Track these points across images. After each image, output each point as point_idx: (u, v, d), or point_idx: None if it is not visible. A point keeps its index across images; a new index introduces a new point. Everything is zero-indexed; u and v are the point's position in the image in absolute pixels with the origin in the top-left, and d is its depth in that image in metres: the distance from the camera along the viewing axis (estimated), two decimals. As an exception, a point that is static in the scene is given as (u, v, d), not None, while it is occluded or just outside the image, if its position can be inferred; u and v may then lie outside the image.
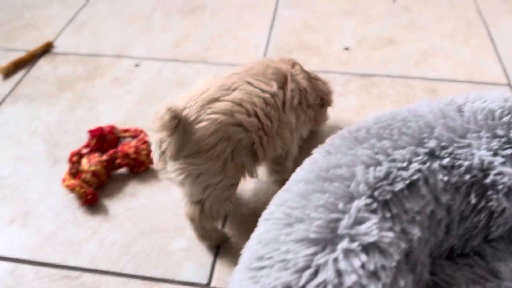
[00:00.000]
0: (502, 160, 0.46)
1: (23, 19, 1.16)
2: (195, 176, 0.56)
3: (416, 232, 0.41)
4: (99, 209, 0.70)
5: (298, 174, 0.47)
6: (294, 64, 0.67)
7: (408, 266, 0.41)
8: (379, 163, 0.44)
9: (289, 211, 0.42)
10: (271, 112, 0.59)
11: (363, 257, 0.37)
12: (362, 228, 0.39)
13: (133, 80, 0.95)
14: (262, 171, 0.71)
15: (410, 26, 1.09)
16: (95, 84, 0.94)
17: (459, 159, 0.45)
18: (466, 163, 0.45)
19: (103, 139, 0.77)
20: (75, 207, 0.71)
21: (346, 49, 1.02)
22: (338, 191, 0.42)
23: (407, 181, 0.42)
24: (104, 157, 0.73)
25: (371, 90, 0.90)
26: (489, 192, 0.45)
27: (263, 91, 0.59)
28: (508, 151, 0.47)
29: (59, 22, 1.14)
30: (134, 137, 0.78)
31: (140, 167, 0.74)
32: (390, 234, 0.39)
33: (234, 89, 0.57)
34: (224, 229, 0.67)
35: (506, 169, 0.45)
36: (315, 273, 0.37)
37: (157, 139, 0.56)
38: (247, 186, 0.72)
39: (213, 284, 0.61)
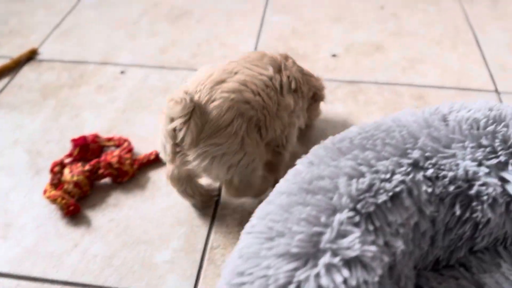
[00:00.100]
0: (486, 170, 0.45)
1: (7, 26, 1.14)
2: (219, 157, 0.57)
3: (399, 245, 0.40)
4: (82, 220, 0.69)
5: (281, 185, 0.46)
6: (287, 57, 0.70)
7: (392, 280, 0.40)
8: (362, 175, 0.43)
9: (271, 224, 0.41)
10: (271, 94, 0.61)
11: (345, 272, 0.36)
12: (345, 242, 0.38)
13: (119, 88, 0.93)
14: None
15: (398, 32, 1.09)
16: (80, 92, 0.93)
17: (443, 169, 0.45)
18: (451, 173, 0.44)
19: (86, 148, 0.76)
20: (57, 219, 0.69)
21: (334, 55, 1.01)
22: (321, 204, 0.41)
23: (390, 193, 0.42)
24: (87, 167, 0.71)
25: (359, 97, 0.89)
26: (474, 203, 0.44)
27: (261, 74, 0.61)
28: (493, 161, 0.46)
29: (44, 29, 1.13)
30: (118, 146, 0.77)
31: (123, 177, 0.72)
32: (373, 248, 0.38)
33: (235, 73, 0.60)
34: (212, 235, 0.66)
35: (491, 180, 0.44)
36: (296, 290, 0.36)
37: (170, 129, 0.56)
38: (233, 195, 0.71)
39: (197, 297, 0.60)
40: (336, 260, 0.37)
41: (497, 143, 0.47)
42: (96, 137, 0.77)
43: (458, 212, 0.44)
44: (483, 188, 0.44)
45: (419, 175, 0.44)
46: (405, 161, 0.45)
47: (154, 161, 0.76)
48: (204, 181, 0.70)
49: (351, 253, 0.37)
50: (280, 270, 0.37)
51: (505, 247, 0.48)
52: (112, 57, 1.03)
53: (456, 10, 1.17)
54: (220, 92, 0.57)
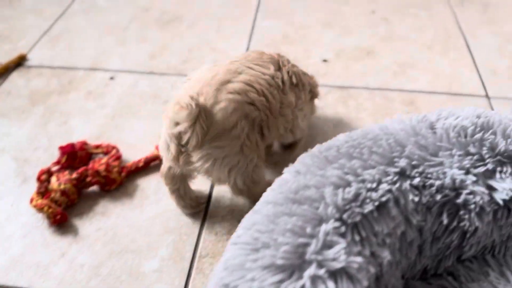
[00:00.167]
0: (474, 178, 0.45)
1: (-4, 31, 1.14)
2: (221, 159, 0.58)
3: (386, 255, 0.40)
4: (69, 229, 0.68)
5: (268, 195, 0.46)
6: (280, 56, 0.70)
7: (378, 291, 0.40)
8: (348, 184, 0.42)
9: (257, 235, 0.41)
10: (274, 92, 0.62)
11: (331, 284, 0.36)
12: (330, 253, 0.38)
13: (108, 94, 0.93)
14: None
15: (389, 37, 1.09)
16: (69, 98, 0.92)
17: (430, 178, 0.44)
18: (438, 182, 0.44)
19: (74, 156, 0.75)
20: (44, 228, 0.68)
21: (325, 61, 1.01)
22: (307, 214, 0.40)
23: (377, 203, 0.41)
24: (74, 175, 0.71)
25: (349, 103, 0.89)
26: (461, 212, 0.44)
27: (264, 74, 0.62)
28: (480, 169, 0.46)
29: (33, 34, 1.12)
30: (106, 153, 0.76)
31: (111, 185, 0.71)
32: (359, 259, 0.38)
33: (239, 73, 0.61)
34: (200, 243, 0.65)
35: (478, 188, 0.44)
36: (281, 303, 0.35)
37: (175, 132, 0.57)
38: (222, 203, 0.70)
39: (185, 306, 0.59)
40: (322, 271, 0.37)
41: (484, 151, 0.47)
42: (84, 145, 0.77)
43: (445, 221, 0.44)
44: (471, 196, 0.44)
45: (406, 184, 0.43)
46: (392, 169, 0.44)
47: (143, 169, 0.75)
48: (195, 187, 0.70)
49: (337, 265, 0.37)
50: (265, 282, 0.37)
51: (493, 255, 0.47)
52: (101, 63, 1.02)
53: (447, 14, 1.17)
54: (225, 93, 0.58)
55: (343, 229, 0.39)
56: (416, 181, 0.44)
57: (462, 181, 0.44)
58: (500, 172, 0.46)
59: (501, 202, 0.44)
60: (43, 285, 0.61)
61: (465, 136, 0.48)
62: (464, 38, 1.08)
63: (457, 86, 0.93)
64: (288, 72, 0.66)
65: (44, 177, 0.71)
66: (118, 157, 0.75)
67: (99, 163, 0.72)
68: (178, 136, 0.57)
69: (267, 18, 1.17)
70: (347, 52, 1.04)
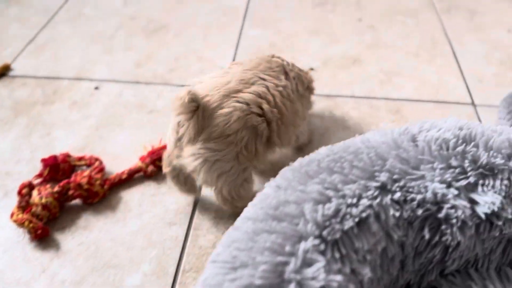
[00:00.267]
0: (455, 192, 0.44)
1: (-20, 41, 1.12)
2: (211, 162, 0.58)
3: (366, 272, 0.39)
4: (50, 244, 0.67)
5: (248, 210, 0.45)
6: (282, 59, 0.71)
7: (359, 308, 0.39)
8: (328, 200, 0.42)
9: (236, 253, 0.40)
10: (287, 103, 0.63)
11: (309, 304, 0.35)
12: (309, 271, 0.37)
13: (92, 104, 0.92)
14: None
15: (376, 44, 1.09)
16: (53, 109, 0.91)
17: (411, 192, 0.44)
18: (419, 196, 0.44)
19: (57, 168, 0.74)
20: (25, 243, 0.67)
21: (312, 69, 1.00)
22: (286, 231, 0.40)
23: (357, 219, 0.41)
24: (56, 189, 0.69)
25: (335, 112, 0.89)
26: (443, 227, 0.43)
27: (277, 86, 0.63)
28: (462, 182, 0.46)
29: (18, 43, 1.11)
30: (89, 165, 0.75)
31: (94, 198, 0.70)
32: (339, 278, 0.37)
33: (252, 84, 0.61)
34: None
35: (460, 202, 0.44)
36: (258, 325, 0.35)
37: (175, 123, 0.59)
38: (207, 215, 0.70)
39: (168, 323, 0.58)
40: (300, 291, 0.36)
41: (466, 163, 0.47)
42: (67, 157, 0.75)
43: (427, 236, 0.43)
44: (452, 211, 0.43)
45: (387, 199, 0.43)
46: (373, 184, 0.44)
47: (126, 181, 0.74)
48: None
49: (316, 284, 0.36)
50: (242, 303, 0.36)
51: (476, 269, 0.47)
52: (86, 72, 1.01)
53: (433, 22, 1.17)
54: (233, 101, 0.58)
55: (322, 246, 0.39)
56: (397, 195, 0.43)
57: (444, 195, 0.44)
58: (482, 185, 0.46)
59: (483, 216, 0.44)
60: (23, 302, 0.60)
61: (447, 149, 0.48)
62: (450, 45, 1.08)
63: (443, 94, 0.93)
64: (294, 78, 0.68)
65: (25, 190, 0.70)
66: (101, 169, 0.74)
67: (81, 175, 0.71)
68: (177, 129, 0.59)
69: (254, 27, 1.16)
70: (334, 61, 1.03)
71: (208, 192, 0.73)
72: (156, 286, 0.61)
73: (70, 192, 0.70)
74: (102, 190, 0.71)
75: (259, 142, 0.61)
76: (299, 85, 0.70)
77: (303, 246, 0.38)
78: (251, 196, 0.62)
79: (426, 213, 0.43)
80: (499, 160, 0.47)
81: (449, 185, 0.45)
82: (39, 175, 0.74)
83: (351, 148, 0.48)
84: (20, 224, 0.66)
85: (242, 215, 0.45)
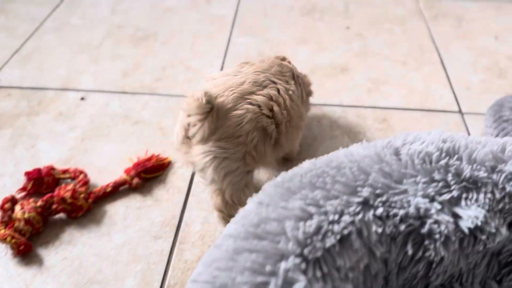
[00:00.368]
0: (439, 207, 0.44)
1: (-36, 51, 1.11)
2: (220, 159, 0.59)
3: (349, 290, 0.39)
4: (33, 259, 0.66)
5: (230, 227, 0.44)
6: (284, 58, 0.74)
7: (342, 328, 0.38)
8: (310, 217, 0.41)
9: (216, 273, 0.39)
10: (294, 107, 0.65)
11: (290, 325, 0.35)
12: (290, 291, 0.36)
13: (78, 115, 0.91)
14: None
15: (363, 53, 1.09)
16: (38, 120, 0.90)
17: (394, 207, 0.44)
18: (402, 211, 0.43)
19: (41, 182, 0.73)
20: (8, 259, 0.66)
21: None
22: (267, 250, 0.39)
23: (338, 236, 0.40)
24: (39, 203, 0.68)
25: (323, 121, 0.89)
26: (426, 242, 0.43)
27: (287, 90, 0.65)
28: (446, 196, 0.45)
29: (3, 54, 1.10)
30: (73, 178, 0.74)
31: (78, 212, 0.69)
32: (320, 297, 0.37)
33: (265, 86, 0.63)
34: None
35: (443, 217, 0.43)
36: None
37: (185, 123, 0.60)
38: (193, 228, 0.69)
39: None
40: (281, 312, 0.35)
41: (450, 177, 0.46)
42: (51, 170, 0.74)
43: (410, 251, 0.43)
44: (435, 226, 0.43)
45: (369, 215, 0.42)
46: (355, 199, 0.43)
47: (111, 193, 0.73)
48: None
49: (296, 304, 0.36)
50: (222, 325, 0.35)
51: (461, 283, 0.47)
52: (73, 83, 1.00)
53: (421, 29, 1.18)
54: (246, 103, 0.60)
55: (303, 265, 0.38)
56: (380, 211, 0.43)
57: (427, 209, 0.44)
58: (466, 198, 0.46)
59: (466, 231, 0.44)
60: (5, 320, 0.59)
61: (430, 162, 0.47)
62: (438, 53, 1.09)
63: (431, 102, 0.94)
64: (300, 84, 0.71)
65: (8, 205, 0.69)
66: (86, 182, 0.73)
67: (65, 189, 0.70)
68: (187, 128, 0.60)
69: (242, 35, 1.16)
70: (321, 69, 1.03)
71: (194, 204, 0.72)
72: (140, 302, 0.60)
73: (54, 206, 0.69)
74: (86, 203, 0.70)
75: (268, 144, 0.63)
76: (304, 90, 0.73)
77: (284, 265, 0.38)
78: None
79: (409, 229, 0.43)
80: (482, 173, 0.47)
81: (432, 199, 0.45)
82: (23, 189, 0.73)
83: (334, 162, 0.47)
84: (2, 239, 0.65)
85: (224, 232, 0.44)
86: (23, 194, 0.73)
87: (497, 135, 0.79)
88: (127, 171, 0.74)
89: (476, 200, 0.46)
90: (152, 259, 0.65)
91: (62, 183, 0.74)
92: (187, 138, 0.61)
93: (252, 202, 0.46)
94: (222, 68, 1.04)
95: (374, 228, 0.42)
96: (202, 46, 1.12)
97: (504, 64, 1.04)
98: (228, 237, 0.43)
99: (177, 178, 0.77)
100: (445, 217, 0.44)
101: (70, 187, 0.70)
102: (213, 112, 0.57)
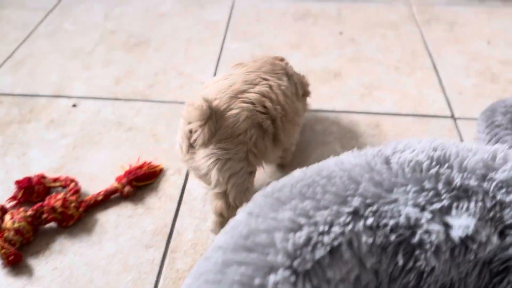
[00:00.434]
0: (429, 216, 0.44)
1: (-45, 58, 1.10)
2: (224, 161, 0.60)
3: (339, 302, 0.39)
4: (23, 269, 0.65)
5: (220, 239, 0.44)
6: (282, 59, 0.76)
7: None
8: (299, 228, 0.41)
9: (205, 286, 0.39)
10: (289, 102, 0.67)
11: None
12: (279, 305, 0.36)
13: (70, 122, 0.90)
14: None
15: (356, 58, 1.09)
16: (29, 128, 0.89)
17: (384, 217, 0.43)
18: (392, 221, 0.43)
19: (31, 191, 0.73)
20: (-3, 269, 0.65)
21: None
22: (256, 262, 0.39)
23: (328, 247, 0.40)
24: (29, 212, 0.68)
25: (316, 127, 0.88)
26: (417, 252, 0.43)
27: (280, 86, 0.66)
28: (436, 206, 0.45)
29: (-5, 60, 1.09)
30: (64, 186, 0.74)
31: (68, 221, 0.69)
32: (309, 310, 0.36)
33: (256, 84, 0.64)
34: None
35: (433, 227, 0.43)
36: None
37: (186, 131, 0.60)
38: (184, 237, 0.68)
39: None
40: (270, 326, 0.35)
41: (440, 186, 0.46)
42: (41, 178, 0.74)
43: (401, 261, 0.42)
44: (426, 236, 0.43)
45: (359, 225, 0.42)
46: (345, 209, 0.43)
47: (102, 202, 0.72)
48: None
49: (285, 318, 0.35)
50: None
51: (452, 293, 0.46)
52: (65, 89, 0.99)
53: (414, 34, 1.18)
54: (239, 102, 0.61)
55: (293, 278, 0.38)
56: (370, 221, 0.43)
57: (417, 219, 0.43)
58: (457, 207, 0.45)
59: (457, 240, 0.43)
60: (-6, 332, 0.58)
61: (421, 171, 0.47)
62: (431, 58, 1.09)
63: (423, 107, 0.94)
64: (295, 84, 0.72)
65: (-3, 215, 0.68)
66: (77, 191, 0.72)
67: (56, 198, 0.69)
68: (189, 136, 0.61)
69: (235, 40, 1.16)
70: (315, 74, 1.03)
71: (186, 212, 0.72)
72: (131, 312, 0.60)
73: (44, 216, 0.68)
74: (77, 212, 0.69)
75: (267, 139, 0.64)
76: (299, 88, 0.74)
77: (273, 278, 0.37)
78: None
79: (399, 239, 0.43)
80: (473, 182, 0.47)
81: (422, 209, 0.44)
82: (13, 198, 0.72)
83: (324, 171, 0.47)
84: (-8, 250, 0.64)
85: (214, 243, 0.44)
86: (13, 203, 0.72)
87: (489, 141, 0.79)
88: (118, 179, 0.74)
89: (467, 209, 0.46)
90: (144, 269, 0.64)
91: (53, 192, 0.74)
92: (191, 145, 0.61)
93: (242, 212, 0.46)
94: (215, 74, 1.04)
95: (364, 238, 0.42)
96: (195, 51, 1.12)
97: (497, 69, 1.05)
98: (217, 249, 0.42)
99: (169, 186, 0.76)
100: (436, 227, 0.43)
101: (60, 196, 0.70)
102: (212, 116, 0.59)
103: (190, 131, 0.60)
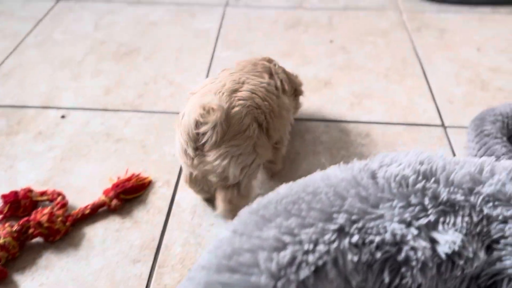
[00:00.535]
0: (415, 232, 0.43)
1: None
2: (236, 157, 0.63)
3: (324, 323, 0.38)
4: (9, 286, 0.64)
5: (204, 258, 0.43)
6: (270, 60, 0.79)
7: None
8: (284, 247, 0.40)
9: (187, 307, 0.38)
10: (273, 98, 0.69)
11: None
12: (262, 327, 0.36)
13: (58, 134, 0.89)
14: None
15: (347, 66, 1.09)
16: (17, 140, 0.88)
17: (370, 233, 0.43)
18: (378, 238, 0.43)
19: (18, 205, 0.72)
20: (-18, 285, 0.64)
21: (283, 92, 1.00)
22: (240, 283, 0.38)
23: (313, 267, 0.39)
24: (15, 227, 0.67)
25: (306, 136, 0.88)
26: (403, 269, 0.42)
27: (261, 82, 0.69)
28: (422, 221, 0.45)
29: (-17, 71, 1.08)
30: (51, 200, 0.73)
31: (55, 236, 0.68)
32: (293, 332, 0.36)
33: (243, 83, 0.67)
34: None
35: (419, 243, 0.43)
36: None
37: (193, 134, 0.61)
38: (172, 251, 0.68)
39: None
40: None
41: (426, 201, 0.46)
42: (28, 192, 0.73)
43: (387, 279, 0.42)
44: (412, 253, 0.42)
45: (345, 242, 0.42)
46: (331, 226, 0.42)
47: (89, 215, 0.72)
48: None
49: None
50: None
51: (440, 309, 0.46)
52: (53, 100, 0.99)
53: (404, 41, 1.18)
54: (237, 100, 0.63)
55: (276, 299, 0.37)
56: (355, 238, 0.42)
57: (403, 235, 0.43)
58: (443, 223, 0.45)
59: (443, 256, 0.43)
60: None
61: (407, 186, 0.47)
62: (421, 65, 1.09)
63: (414, 116, 0.93)
64: (281, 80, 0.74)
65: (-17, 230, 0.67)
66: (64, 205, 0.71)
67: (42, 213, 0.68)
68: (196, 138, 0.61)
69: (226, 49, 1.16)
70: (305, 83, 1.02)
71: (175, 225, 0.71)
72: (118, 329, 0.59)
73: (30, 231, 0.67)
74: (64, 227, 0.68)
75: (263, 133, 0.66)
76: (285, 84, 0.75)
77: (255, 300, 0.37)
78: (252, 197, 0.70)
79: (385, 256, 0.42)
80: (459, 196, 0.47)
81: (408, 224, 0.44)
82: (-1, 212, 0.71)
83: (310, 187, 0.47)
84: (-24, 266, 0.63)
85: (197, 262, 0.43)
86: (-1, 217, 0.71)
87: (479, 150, 0.79)
88: (106, 192, 0.73)
89: (454, 224, 0.45)
90: (131, 284, 0.64)
91: (40, 206, 0.73)
92: (197, 148, 0.62)
93: (227, 230, 0.45)
94: (205, 83, 1.03)
95: (350, 256, 0.41)
96: (186, 61, 1.11)
97: (487, 76, 1.05)
98: (201, 269, 0.42)
99: (157, 198, 0.76)
100: (422, 243, 0.43)
101: (47, 210, 0.69)
102: (222, 116, 0.60)
103: (198, 134, 0.61)
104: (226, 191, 0.67)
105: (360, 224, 0.43)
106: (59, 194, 0.73)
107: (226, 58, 1.12)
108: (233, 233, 0.44)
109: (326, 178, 0.48)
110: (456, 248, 0.44)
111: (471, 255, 0.44)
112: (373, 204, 0.45)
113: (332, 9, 1.33)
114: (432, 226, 0.45)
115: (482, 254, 0.46)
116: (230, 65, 1.07)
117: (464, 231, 0.45)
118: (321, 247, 0.41)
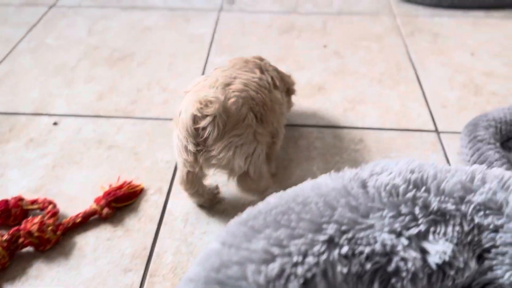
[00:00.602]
0: (405, 242, 0.43)
1: None
2: (240, 147, 0.64)
3: (313, 336, 0.38)
4: (-2, 296, 0.63)
5: (193, 270, 0.43)
6: (261, 58, 0.81)
7: None
8: (273, 259, 0.40)
9: (175, 320, 0.38)
10: (265, 91, 0.70)
11: None
12: None
13: (50, 141, 0.89)
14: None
15: (340, 71, 1.09)
16: (8, 148, 0.88)
17: (360, 244, 0.43)
18: (368, 249, 0.42)
19: (8, 214, 0.71)
20: (-29, 296, 0.64)
21: (276, 98, 1.00)
22: (227, 296, 0.38)
23: (302, 279, 0.39)
24: (5, 237, 0.66)
25: (299, 142, 0.88)
26: (393, 280, 0.42)
27: (253, 77, 0.70)
28: (413, 231, 0.44)
29: (-25, 77, 1.07)
30: (42, 209, 0.72)
31: (46, 245, 0.67)
32: None
33: (235, 77, 0.68)
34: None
35: (410, 254, 0.43)
36: None
37: (192, 130, 0.61)
38: (164, 259, 0.67)
39: None
40: None
41: (417, 210, 0.46)
42: (19, 200, 0.72)
43: (377, 290, 0.42)
44: (402, 263, 0.42)
45: (334, 254, 0.41)
46: (320, 238, 0.42)
47: (80, 224, 0.71)
48: (206, 183, 0.74)
49: None
50: None
51: (431, 319, 0.45)
52: (46, 107, 0.98)
53: (398, 46, 1.18)
54: (231, 92, 0.64)
55: (264, 313, 0.37)
56: (345, 249, 0.42)
57: (393, 246, 0.43)
58: (434, 232, 0.45)
59: (434, 267, 0.43)
60: None
61: (397, 195, 0.47)
62: (414, 70, 1.09)
63: (407, 121, 0.93)
64: (272, 77, 0.76)
65: (-28, 240, 0.67)
66: (55, 213, 0.71)
67: (32, 222, 0.68)
68: (196, 134, 0.62)
69: (220, 54, 1.16)
70: (299, 88, 1.02)
71: (167, 234, 0.71)
72: None
73: (21, 240, 0.67)
74: (54, 236, 0.68)
75: (260, 123, 0.67)
76: (276, 80, 0.77)
77: (243, 313, 0.36)
78: (267, 184, 0.72)
79: (375, 266, 0.42)
80: (450, 205, 0.46)
81: (399, 235, 0.44)
82: (-11, 221, 0.71)
83: (300, 197, 0.46)
84: (-35, 277, 0.63)
85: (186, 275, 0.43)
86: (-11, 227, 0.71)
87: (472, 155, 0.79)
88: (97, 201, 0.72)
89: (444, 234, 0.45)
90: (122, 293, 0.63)
91: (30, 215, 0.72)
92: (198, 145, 0.62)
93: (215, 242, 0.45)
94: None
95: (339, 268, 0.41)
96: (180, 66, 1.11)
97: (480, 81, 1.05)
98: (188, 282, 0.41)
99: (149, 206, 0.75)
100: (412, 254, 0.43)
101: (37, 219, 0.68)
102: (220, 107, 0.61)
103: (197, 129, 0.61)
104: (240, 182, 0.69)
105: (350, 235, 0.43)
106: (50, 202, 0.73)
107: (220, 63, 1.12)
108: (222, 245, 0.43)
109: (316, 188, 0.48)
110: (447, 258, 0.43)
111: (462, 265, 0.44)
112: (363, 214, 0.45)
113: (326, 13, 1.33)
114: (423, 236, 0.45)
115: (473, 264, 0.46)
116: (223, 71, 1.07)
117: (455, 240, 0.45)
118: (310, 259, 0.40)
